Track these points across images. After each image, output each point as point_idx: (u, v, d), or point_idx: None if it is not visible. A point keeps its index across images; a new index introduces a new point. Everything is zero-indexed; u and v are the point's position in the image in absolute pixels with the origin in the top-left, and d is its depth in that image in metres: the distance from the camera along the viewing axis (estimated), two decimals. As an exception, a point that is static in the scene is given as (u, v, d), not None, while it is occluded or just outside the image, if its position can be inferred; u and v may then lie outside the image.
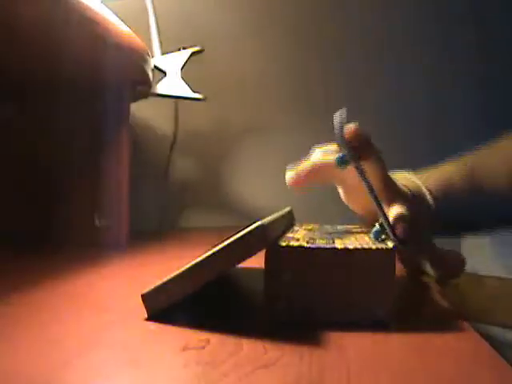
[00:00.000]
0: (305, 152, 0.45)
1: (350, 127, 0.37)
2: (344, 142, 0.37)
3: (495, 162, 0.51)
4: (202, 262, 0.30)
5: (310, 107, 1.07)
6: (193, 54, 0.80)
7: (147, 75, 0.65)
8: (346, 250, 0.32)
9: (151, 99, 0.76)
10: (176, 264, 0.32)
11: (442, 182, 0.47)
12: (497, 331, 0.80)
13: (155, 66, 0.75)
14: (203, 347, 0.27)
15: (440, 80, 1.07)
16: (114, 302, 0.37)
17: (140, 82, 0.66)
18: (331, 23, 1.08)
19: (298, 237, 0.36)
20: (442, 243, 0.43)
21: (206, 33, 0.97)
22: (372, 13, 1.09)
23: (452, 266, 0.42)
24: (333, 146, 0.42)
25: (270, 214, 0.36)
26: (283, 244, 0.32)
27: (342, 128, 0.36)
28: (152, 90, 0.73)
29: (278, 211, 0.41)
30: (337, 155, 0.38)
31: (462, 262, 0.42)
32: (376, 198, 0.36)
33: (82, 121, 0.64)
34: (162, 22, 0.81)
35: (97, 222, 0.63)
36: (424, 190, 0.45)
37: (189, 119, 0.95)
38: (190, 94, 0.78)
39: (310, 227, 0.45)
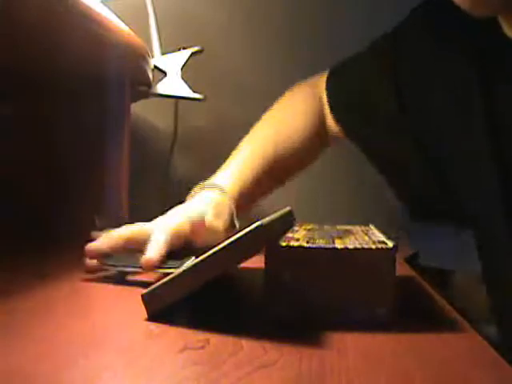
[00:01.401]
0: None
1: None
2: None
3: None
4: (202, 261, 0.30)
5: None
6: (193, 53, 0.80)
7: (147, 75, 0.65)
8: (346, 249, 0.32)
9: (151, 99, 0.76)
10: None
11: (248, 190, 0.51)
12: (497, 331, 0.80)
13: (155, 66, 0.75)
14: (203, 347, 0.27)
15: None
16: (115, 302, 0.37)
17: (140, 82, 0.66)
18: (331, 23, 1.08)
19: (298, 237, 0.36)
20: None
21: (205, 33, 0.97)
22: (369, 12, 1.09)
23: None
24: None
25: (269, 214, 0.36)
26: (283, 244, 0.32)
27: None
28: (152, 90, 0.73)
29: (277, 211, 0.41)
30: None
31: None
32: None
33: (82, 121, 0.64)
34: (161, 22, 0.81)
35: (97, 223, 0.63)
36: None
37: (189, 119, 0.95)
38: (190, 93, 0.78)
39: (309, 227, 0.45)
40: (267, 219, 0.32)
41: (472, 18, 0.37)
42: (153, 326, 0.31)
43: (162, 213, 0.45)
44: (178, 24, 0.94)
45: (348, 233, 0.40)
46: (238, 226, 0.49)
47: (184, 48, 0.80)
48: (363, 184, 0.91)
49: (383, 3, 1.09)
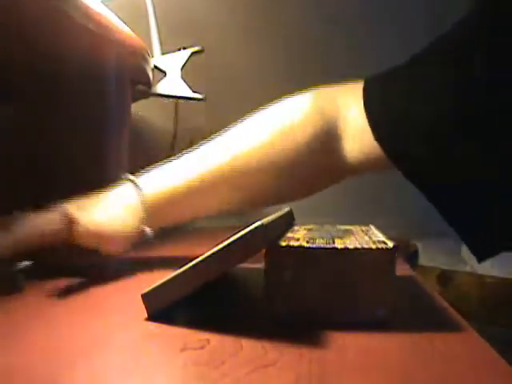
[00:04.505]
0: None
1: None
2: None
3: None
4: (202, 261, 0.30)
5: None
6: (193, 53, 0.80)
7: (147, 75, 0.65)
8: (346, 249, 0.31)
9: (151, 99, 0.76)
10: (177, 264, 0.32)
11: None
12: (497, 331, 0.80)
13: (155, 66, 0.75)
14: (203, 347, 0.27)
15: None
16: (115, 302, 0.37)
17: (140, 82, 0.66)
18: (332, 22, 1.08)
19: (298, 237, 0.36)
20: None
21: (205, 33, 0.97)
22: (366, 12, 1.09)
23: None
24: None
25: (269, 214, 0.36)
26: (283, 244, 0.32)
27: None
28: (152, 90, 0.73)
29: (277, 211, 0.41)
30: None
31: None
32: None
33: (82, 121, 0.64)
34: (162, 22, 0.81)
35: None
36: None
37: (189, 119, 0.95)
38: (189, 93, 0.77)
39: (309, 227, 0.45)
40: (267, 219, 0.32)
41: None
42: (153, 326, 0.31)
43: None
44: (178, 24, 0.94)
45: (348, 233, 0.40)
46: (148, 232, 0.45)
47: (184, 48, 0.80)
48: (363, 184, 0.91)
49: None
